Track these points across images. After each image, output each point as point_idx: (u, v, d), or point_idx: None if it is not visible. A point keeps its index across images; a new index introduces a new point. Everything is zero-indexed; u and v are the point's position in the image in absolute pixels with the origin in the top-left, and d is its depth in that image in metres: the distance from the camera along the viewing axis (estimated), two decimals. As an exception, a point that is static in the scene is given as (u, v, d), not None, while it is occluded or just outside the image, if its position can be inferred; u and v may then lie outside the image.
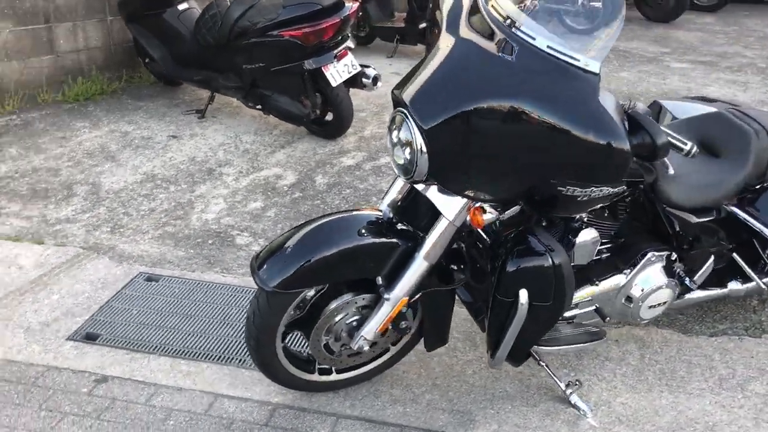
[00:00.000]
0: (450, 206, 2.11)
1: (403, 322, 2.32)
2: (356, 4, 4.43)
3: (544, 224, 2.31)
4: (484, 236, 2.31)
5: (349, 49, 4.40)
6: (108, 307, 3.00)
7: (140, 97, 5.53)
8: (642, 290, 2.53)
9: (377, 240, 2.21)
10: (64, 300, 3.03)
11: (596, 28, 1.91)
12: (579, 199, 2.13)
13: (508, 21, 1.92)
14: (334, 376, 2.48)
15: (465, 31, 2.05)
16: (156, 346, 2.75)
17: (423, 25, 6.29)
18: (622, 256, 2.56)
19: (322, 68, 4.29)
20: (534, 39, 1.87)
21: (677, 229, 2.57)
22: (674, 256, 2.60)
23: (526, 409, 2.47)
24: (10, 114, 5.08)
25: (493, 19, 1.94)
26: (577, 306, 2.50)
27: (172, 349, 2.73)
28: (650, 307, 2.59)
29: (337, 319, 2.31)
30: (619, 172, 1.91)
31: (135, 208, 3.85)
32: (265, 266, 2.15)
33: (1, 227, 3.63)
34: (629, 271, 2.52)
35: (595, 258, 2.49)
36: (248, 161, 4.46)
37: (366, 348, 2.29)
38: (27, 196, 3.96)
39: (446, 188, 2.09)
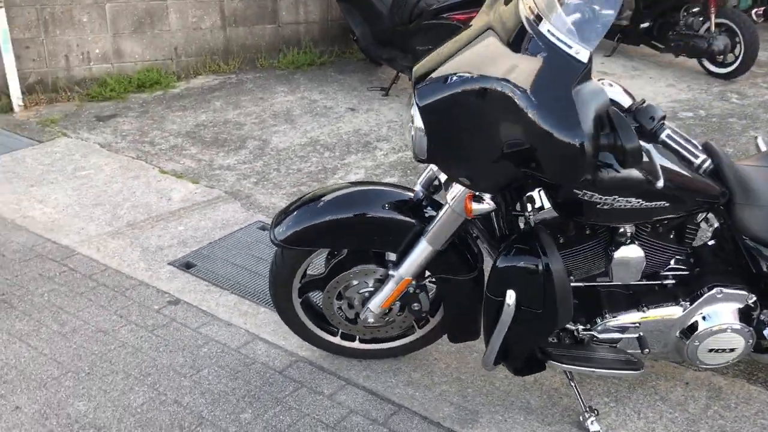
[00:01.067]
0: (452, 192, 2.06)
1: (415, 304, 2.30)
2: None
3: (587, 233, 2.14)
4: (500, 230, 2.20)
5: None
6: (215, 245, 3.35)
7: (343, 71, 5.92)
8: (702, 327, 2.21)
9: (395, 216, 2.23)
10: (186, 232, 3.44)
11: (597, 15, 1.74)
12: (599, 206, 1.96)
13: (534, 17, 1.81)
14: (356, 344, 2.54)
15: (493, 16, 1.99)
16: (233, 285, 3.02)
17: (645, 24, 5.84)
18: (684, 286, 2.25)
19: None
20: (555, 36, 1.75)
21: (764, 268, 2.20)
22: (753, 299, 2.22)
23: (537, 425, 2.30)
24: (229, 73, 5.77)
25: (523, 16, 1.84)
26: (623, 330, 2.27)
27: (245, 290, 2.99)
28: (712, 350, 2.25)
29: (351, 285, 2.35)
30: (573, 169, 1.71)
31: (286, 166, 4.19)
32: (281, 221, 2.27)
33: (174, 164, 4.19)
34: (688, 303, 2.22)
35: (653, 282, 2.24)
36: (405, 140, 4.58)
37: (371, 320, 2.32)
38: (208, 143, 4.50)
39: (443, 172, 2.05)
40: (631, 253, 2.13)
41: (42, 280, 2.99)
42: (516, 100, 1.72)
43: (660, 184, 1.75)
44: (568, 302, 2.01)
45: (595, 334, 2.26)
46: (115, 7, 5.23)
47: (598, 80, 1.99)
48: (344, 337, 2.53)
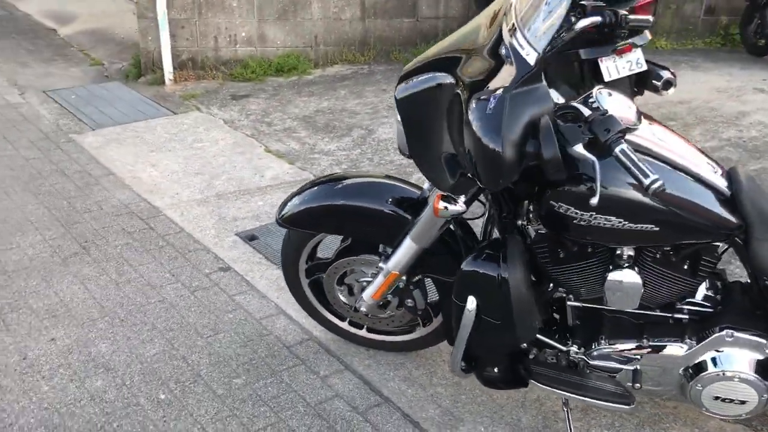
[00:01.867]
0: (434, 192, 2.04)
1: (408, 300, 2.31)
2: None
3: (588, 250, 2.02)
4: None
5: (636, 45, 4.01)
6: (284, 222, 3.51)
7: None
8: (708, 370, 2.00)
9: (392, 210, 2.24)
10: (263, 207, 3.65)
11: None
12: (576, 222, 1.85)
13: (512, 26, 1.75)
14: (363, 332, 2.57)
15: (483, 21, 1.95)
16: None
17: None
18: (693, 322, 2.05)
19: (598, 60, 4.02)
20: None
21: None
22: None
23: (517, 444, 2.21)
24: (363, 64, 5.95)
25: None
26: (621, 360, 2.12)
27: (291, 267, 3.12)
28: (717, 398, 2.03)
29: (352, 272, 2.40)
30: (493, 175, 1.61)
31: (380, 156, 4.28)
32: (288, 202, 2.37)
33: (280, 145, 4.44)
34: (694, 342, 2.02)
35: (658, 314, 2.07)
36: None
37: (363, 309, 2.34)
38: (318, 128, 4.71)
39: (420, 170, 2.03)
40: (625, 278, 1.96)
41: (122, 234, 3.33)
42: (463, 102, 1.67)
43: (593, 201, 1.61)
44: (529, 318, 1.91)
45: (588, 359, 2.12)
46: (263, -5, 5.60)
47: (598, 89, 1.87)
48: (352, 323, 2.58)
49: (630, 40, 4.11)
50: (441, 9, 6.00)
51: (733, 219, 1.84)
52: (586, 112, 1.70)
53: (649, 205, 1.79)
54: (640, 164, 1.56)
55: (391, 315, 2.43)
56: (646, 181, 1.53)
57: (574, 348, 2.14)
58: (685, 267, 1.98)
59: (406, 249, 2.16)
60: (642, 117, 1.89)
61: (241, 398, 2.35)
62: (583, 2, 2.06)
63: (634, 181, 1.76)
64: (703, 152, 1.98)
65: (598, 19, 2.07)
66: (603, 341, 2.10)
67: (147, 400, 2.32)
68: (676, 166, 1.84)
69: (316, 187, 2.36)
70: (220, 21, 5.59)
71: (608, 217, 1.82)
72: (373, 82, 5.56)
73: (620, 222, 1.82)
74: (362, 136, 4.57)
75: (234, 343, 2.61)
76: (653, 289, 2.01)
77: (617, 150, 1.59)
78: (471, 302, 1.94)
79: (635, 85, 4.14)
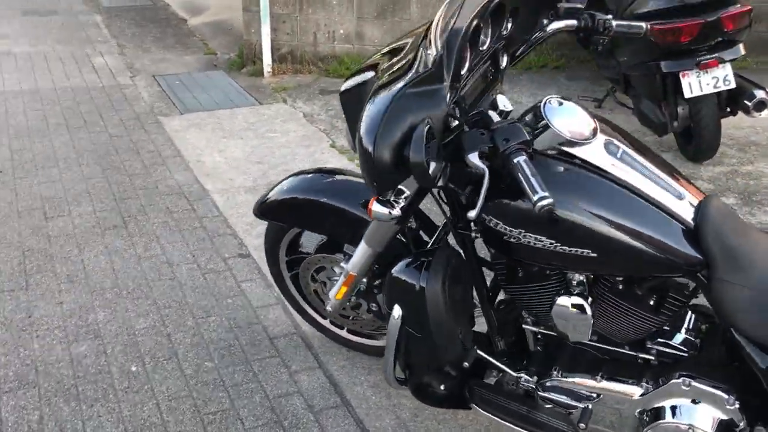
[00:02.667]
0: None
1: (372, 304, 2.25)
2: (744, 8, 3.59)
3: (546, 272, 1.88)
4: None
5: (723, 60, 3.64)
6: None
7: (574, 77, 5.56)
8: (662, 418, 1.80)
9: (357, 210, 2.18)
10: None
11: None
12: (507, 238, 1.72)
13: None
14: (344, 333, 2.54)
15: None
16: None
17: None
18: (658, 365, 1.84)
19: (680, 74, 3.70)
20: None
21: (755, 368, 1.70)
22: (736, 406, 1.73)
23: (461, 469, 2.09)
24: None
25: None
26: (573, 395, 1.95)
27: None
28: None
29: (322, 268, 2.37)
30: (366, 175, 1.51)
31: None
32: (265, 193, 2.37)
33: (345, 141, 4.46)
34: (650, 386, 1.82)
35: (615, 349, 1.88)
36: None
37: (329, 308, 2.31)
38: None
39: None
40: (572, 305, 1.79)
41: (163, 213, 3.49)
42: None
43: (471, 214, 1.48)
44: (449, 337, 1.79)
45: (539, 389, 1.96)
46: (363, -7, 5.66)
47: (548, 98, 1.72)
48: (333, 323, 2.54)
49: (716, 54, 3.78)
50: (545, 14, 5.76)
51: (692, 253, 1.63)
52: (495, 119, 1.56)
53: (583, 228, 1.63)
54: (533, 179, 1.41)
55: (357, 318, 2.38)
56: (534, 198, 1.39)
57: (525, 375, 1.99)
58: (649, 301, 1.78)
59: (361, 251, 2.09)
60: (600, 132, 1.70)
61: (205, 381, 2.38)
62: (561, 3, 1.90)
63: (563, 199, 1.61)
64: (681, 177, 1.76)
65: (572, 23, 1.90)
66: (557, 372, 1.94)
67: (118, 370, 2.42)
68: (630, 189, 1.65)
69: (295, 179, 2.34)
70: (320, 17, 5.71)
71: (538, 237, 1.67)
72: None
73: (552, 243, 1.66)
74: (431, 138, 4.49)
75: (221, 327, 2.66)
76: (609, 322, 1.82)
77: (514, 161, 1.45)
78: (396, 310, 1.85)
79: (725, 104, 3.81)
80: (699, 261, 1.62)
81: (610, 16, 1.93)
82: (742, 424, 1.73)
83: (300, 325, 2.67)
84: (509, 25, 1.88)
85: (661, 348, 1.84)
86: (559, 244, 1.66)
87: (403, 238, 2.10)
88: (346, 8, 5.68)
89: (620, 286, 1.78)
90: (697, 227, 1.63)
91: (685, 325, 1.85)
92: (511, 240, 1.70)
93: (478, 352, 2.02)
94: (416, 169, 1.40)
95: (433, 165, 1.45)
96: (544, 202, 1.38)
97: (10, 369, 2.39)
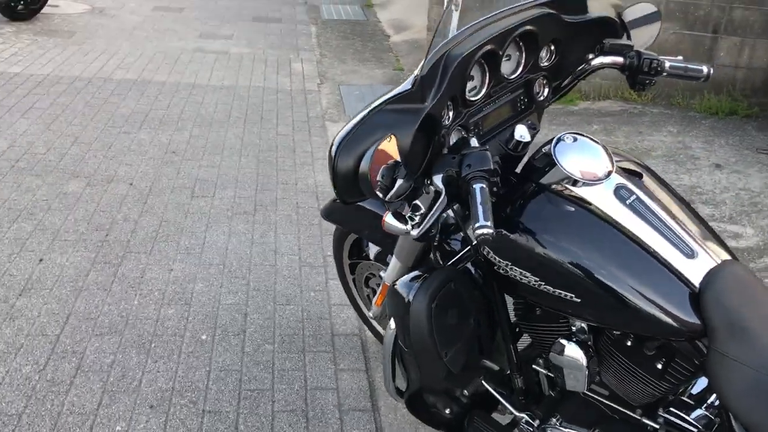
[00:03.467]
0: None
1: None
2: None
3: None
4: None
5: None
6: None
7: (765, 128, 5.07)
8: None
9: None
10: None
11: None
12: (497, 268, 1.72)
13: None
14: (382, 330, 2.61)
15: None
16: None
17: None
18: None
19: None
20: None
21: None
22: None
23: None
24: (638, 104, 5.57)
25: None
26: None
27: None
28: None
29: (372, 274, 2.46)
30: (332, 184, 1.56)
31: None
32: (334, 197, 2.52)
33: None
34: None
35: (634, 415, 1.78)
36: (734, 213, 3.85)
37: (370, 314, 2.40)
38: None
39: None
40: (568, 350, 1.72)
41: (291, 207, 3.78)
42: None
43: (413, 233, 1.47)
44: (429, 357, 1.78)
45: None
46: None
47: (566, 133, 1.69)
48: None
49: None
50: (744, 58, 5.29)
51: (689, 318, 1.50)
52: (473, 143, 1.55)
53: (569, 271, 1.57)
54: (480, 207, 1.40)
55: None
56: (475, 225, 1.37)
57: (527, 417, 1.93)
58: (655, 364, 1.66)
59: (392, 264, 2.16)
60: (617, 174, 1.62)
61: (257, 361, 2.58)
62: (607, 40, 1.83)
63: (551, 233, 1.57)
64: (709, 238, 1.62)
65: (618, 59, 1.82)
66: (557, 420, 1.87)
67: (191, 336, 2.70)
68: (631, 238, 1.56)
69: None
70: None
71: (523, 272, 1.64)
72: (634, 123, 5.19)
73: (536, 281, 1.62)
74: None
75: (293, 316, 2.85)
76: (613, 378, 1.73)
77: (472, 187, 1.44)
78: (392, 323, 1.89)
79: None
80: (697, 327, 1.49)
81: (661, 57, 1.82)
82: None
83: (365, 330, 2.77)
84: (551, 57, 1.84)
85: (672, 418, 1.70)
86: (543, 283, 1.62)
87: (433, 255, 2.13)
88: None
89: (627, 342, 1.67)
90: (701, 291, 1.50)
91: (709, 401, 1.69)
92: (500, 271, 1.68)
93: (483, 383, 1.99)
94: (361, 179, 1.46)
95: (398, 182, 1.49)
96: (481, 231, 1.36)
97: (107, 317, 2.77)
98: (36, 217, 3.47)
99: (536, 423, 1.92)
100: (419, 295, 1.78)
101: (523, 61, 1.79)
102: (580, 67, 1.88)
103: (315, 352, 2.64)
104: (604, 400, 1.80)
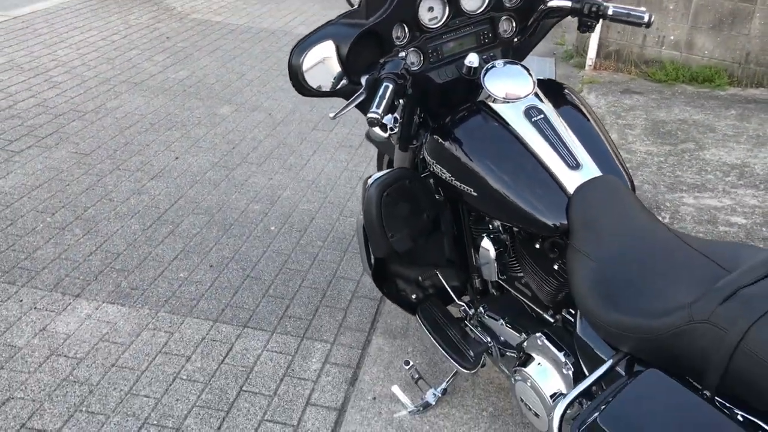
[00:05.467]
0: None
1: None
2: None
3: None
4: None
5: None
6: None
7: None
8: (526, 366, 1.98)
9: None
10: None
11: None
12: (427, 164, 2.12)
13: None
14: None
15: None
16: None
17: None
18: (537, 321, 2.05)
19: None
20: None
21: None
22: (570, 371, 1.86)
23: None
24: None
25: None
26: (486, 330, 2.24)
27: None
28: (521, 399, 2.02)
29: None
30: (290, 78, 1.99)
31: (681, 171, 4.12)
32: None
33: (598, 133, 4.65)
34: (523, 335, 2.05)
35: (536, 309, 2.10)
36: None
37: None
38: (654, 134, 4.68)
39: None
40: (482, 243, 2.08)
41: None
42: None
43: (330, 114, 1.89)
44: (377, 237, 2.18)
45: (468, 320, 2.28)
46: (701, 1, 5.49)
47: (502, 60, 2.04)
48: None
49: None
50: None
51: (556, 218, 1.79)
52: (401, 55, 1.93)
53: (471, 168, 1.92)
54: (378, 99, 1.79)
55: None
56: (370, 110, 1.78)
57: (465, 307, 2.30)
58: (552, 264, 1.96)
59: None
60: (536, 97, 1.94)
61: (305, 251, 3.14)
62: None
63: (465, 138, 1.93)
64: (609, 156, 1.89)
65: (566, 3, 2.08)
66: (483, 309, 2.22)
67: (263, 226, 3.32)
68: (527, 149, 1.87)
69: None
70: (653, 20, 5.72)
71: (442, 168, 2.02)
72: (756, 109, 4.99)
73: (450, 176, 2.00)
74: (684, 150, 4.38)
75: (350, 227, 3.36)
76: (525, 275, 2.04)
77: (382, 84, 1.84)
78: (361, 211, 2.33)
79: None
80: (561, 226, 1.78)
81: (605, 3, 2.06)
82: (569, 391, 1.83)
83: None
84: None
85: (568, 317, 1.98)
86: (453, 178, 1.99)
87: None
88: (681, 15, 5.60)
89: (532, 242, 1.98)
90: (572, 196, 1.79)
91: None
92: (428, 166, 2.07)
93: (437, 273, 2.37)
94: (290, 71, 1.92)
95: (340, 81, 1.95)
96: (371, 115, 1.77)
97: (207, 202, 3.49)
98: (186, 128, 4.31)
99: (471, 312, 2.27)
100: (375, 183, 2.21)
101: None
102: (539, 9, 2.17)
103: (353, 252, 3.14)
104: (524, 299, 2.11)
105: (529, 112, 1.92)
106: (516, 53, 2.27)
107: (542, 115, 1.92)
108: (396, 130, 2.17)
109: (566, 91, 2.08)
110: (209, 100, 4.77)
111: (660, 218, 3.61)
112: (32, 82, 4.80)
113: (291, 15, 7.05)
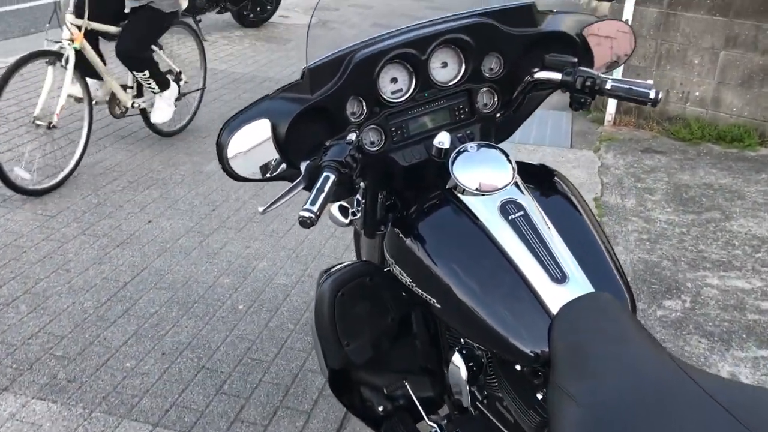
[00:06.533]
0: None
1: None
2: None
3: None
4: None
5: None
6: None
7: None
8: None
9: None
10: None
11: None
12: (387, 264, 1.79)
13: None
14: None
15: None
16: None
17: None
18: None
19: None
20: None
21: None
22: None
23: None
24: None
25: None
26: None
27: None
28: None
29: None
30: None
31: (697, 244, 3.73)
32: None
33: (616, 198, 4.27)
34: None
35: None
36: None
37: None
38: (675, 200, 4.28)
39: None
40: (453, 357, 1.72)
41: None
42: None
43: (259, 208, 1.55)
44: (329, 345, 1.84)
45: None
46: (729, 57, 5.13)
47: (478, 143, 1.70)
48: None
49: None
50: None
51: (536, 345, 1.44)
52: (350, 138, 1.60)
53: (430, 271, 1.58)
54: (315, 193, 1.46)
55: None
56: (300, 211, 1.44)
57: (436, 428, 1.93)
58: (535, 393, 1.61)
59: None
60: (516, 188, 1.60)
61: (272, 336, 2.80)
62: (548, 55, 1.76)
63: (428, 236, 1.60)
64: (603, 268, 1.54)
65: (555, 76, 1.75)
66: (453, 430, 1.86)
67: (231, 304, 2.99)
68: (505, 256, 1.52)
69: None
70: (677, 75, 5.38)
71: (402, 270, 1.68)
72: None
73: (410, 281, 1.66)
74: (709, 219, 3.98)
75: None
76: (504, 399, 1.68)
77: (322, 174, 1.51)
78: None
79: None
80: (542, 355, 1.43)
81: (603, 76, 1.71)
82: None
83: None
84: (499, 68, 1.83)
85: None
86: (414, 284, 1.64)
87: None
88: (707, 70, 5.24)
89: (513, 365, 1.62)
90: (554, 319, 1.44)
91: None
92: (391, 269, 1.73)
93: (407, 385, 2.01)
94: (218, 154, 1.60)
95: (278, 166, 1.62)
96: (302, 213, 1.43)
97: (173, 276, 3.17)
98: (167, 187, 4.02)
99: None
100: (329, 281, 1.86)
101: (462, 69, 1.80)
102: (525, 81, 1.83)
103: (328, 339, 2.78)
104: (504, 429, 1.74)
105: (506, 208, 1.57)
106: (500, 131, 1.93)
107: (522, 212, 1.57)
108: (359, 215, 1.84)
109: (556, 179, 1.73)
110: (197, 156, 4.49)
111: (680, 302, 3.24)
112: (15, 133, 4.57)
113: (301, 63, 6.80)
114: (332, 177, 1.50)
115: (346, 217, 1.95)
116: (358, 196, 1.92)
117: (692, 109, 5.38)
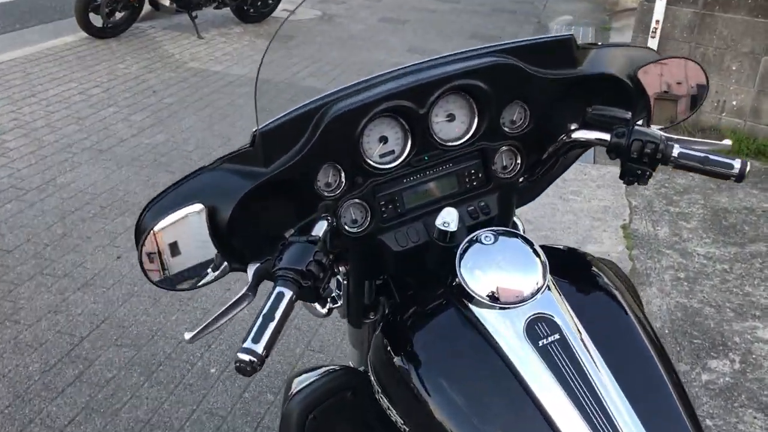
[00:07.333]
0: None
1: None
2: None
3: None
4: None
5: None
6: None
7: None
8: None
9: None
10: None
11: None
12: (384, 409, 1.36)
13: None
14: None
15: None
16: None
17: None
18: None
19: None
20: None
21: None
22: None
23: None
24: None
25: None
26: None
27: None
28: None
29: None
30: None
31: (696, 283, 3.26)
32: None
33: (645, 225, 3.80)
34: None
35: None
36: None
37: None
38: (713, 226, 3.81)
39: None
40: None
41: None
42: None
43: (186, 336, 1.12)
44: None
45: None
46: (772, 62, 4.64)
47: (490, 229, 1.26)
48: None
49: None
50: None
51: None
52: (317, 232, 1.15)
53: (431, 418, 1.14)
54: (260, 321, 1.02)
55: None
56: (239, 350, 1.00)
57: None
58: None
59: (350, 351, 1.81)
60: (544, 297, 1.15)
61: (247, 411, 2.37)
62: (590, 108, 1.31)
63: (429, 368, 1.15)
64: (659, 402, 1.10)
65: (604, 136, 1.30)
66: None
67: (201, 367, 2.56)
68: (530, 395, 1.08)
69: None
70: (712, 82, 4.87)
71: (390, 406, 1.23)
72: None
73: (402, 422, 1.21)
74: (755, 253, 3.50)
75: (316, 367, 2.57)
76: None
77: (273, 289, 1.07)
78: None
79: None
80: None
81: (670, 138, 1.26)
82: None
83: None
84: (524, 122, 1.37)
85: None
86: (406, 428, 1.19)
87: None
88: (746, 76, 4.74)
89: None
90: None
91: None
92: (377, 397, 1.28)
93: None
94: (135, 238, 1.17)
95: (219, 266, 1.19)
96: (241, 356, 0.99)
97: (137, 329, 2.74)
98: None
99: None
100: (297, 399, 1.43)
101: (474, 123, 1.35)
102: (559, 141, 1.38)
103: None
104: None
105: (535, 328, 1.12)
106: (521, 198, 1.48)
107: (557, 335, 1.12)
108: (340, 303, 1.41)
109: (595, 271, 1.28)
110: (181, 174, 4.04)
111: (728, 361, 2.77)
112: (-19, 148, 4.16)
113: (302, 63, 6.37)
114: (288, 295, 1.06)
115: (323, 305, 1.50)
116: (339, 277, 1.49)
117: (728, 120, 4.88)
